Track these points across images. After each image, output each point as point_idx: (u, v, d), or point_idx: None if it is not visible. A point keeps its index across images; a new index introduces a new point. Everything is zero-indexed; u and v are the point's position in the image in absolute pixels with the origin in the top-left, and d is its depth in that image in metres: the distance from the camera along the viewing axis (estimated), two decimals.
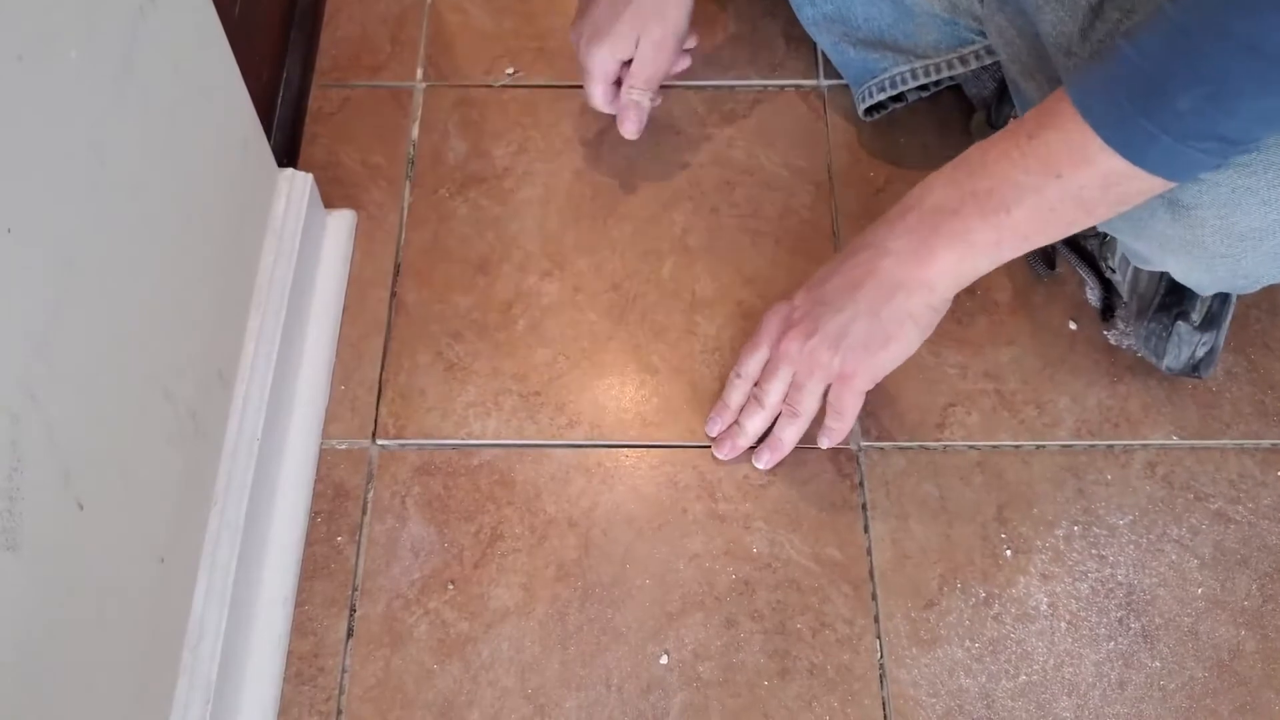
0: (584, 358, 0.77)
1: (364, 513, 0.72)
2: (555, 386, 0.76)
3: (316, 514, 0.71)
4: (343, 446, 0.74)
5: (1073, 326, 0.79)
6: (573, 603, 0.69)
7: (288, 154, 0.86)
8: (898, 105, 0.86)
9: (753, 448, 0.73)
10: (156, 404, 0.55)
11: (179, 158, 0.59)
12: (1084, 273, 0.80)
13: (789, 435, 0.71)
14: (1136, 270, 0.75)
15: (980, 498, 0.73)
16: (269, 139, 0.76)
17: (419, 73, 0.90)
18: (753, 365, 0.71)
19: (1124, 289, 0.76)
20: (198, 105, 0.62)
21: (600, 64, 0.79)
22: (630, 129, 0.81)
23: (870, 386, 0.67)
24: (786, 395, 0.70)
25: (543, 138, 0.87)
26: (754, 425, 0.72)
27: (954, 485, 0.73)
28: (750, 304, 0.79)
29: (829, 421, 0.70)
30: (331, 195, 0.83)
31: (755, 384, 0.71)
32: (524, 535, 0.71)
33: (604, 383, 0.76)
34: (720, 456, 0.73)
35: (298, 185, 0.76)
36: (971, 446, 0.74)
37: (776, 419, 0.72)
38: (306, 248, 0.76)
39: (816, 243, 0.82)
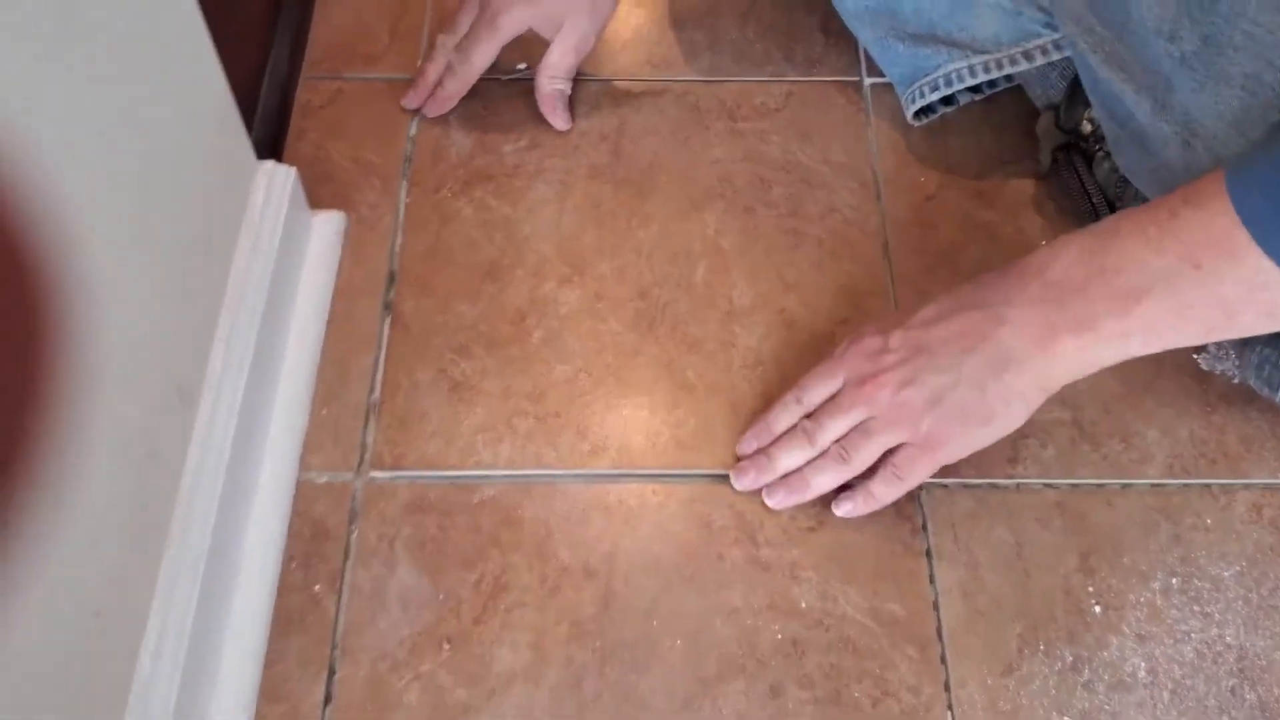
0: (609, 374, 0.67)
1: (346, 557, 0.61)
2: (576, 407, 0.66)
3: (292, 558, 0.61)
4: (323, 480, 0.64)
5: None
6: (590, 666, 0.59)
7: (271, 149, 0.77)
8: (948, 109, 0.77)
9: None
10: (98, 423, 0.46)
11: (135, 133, 0.49)
12: None
13: (822, 482, 0.61)
14: None
15: (1061, 544, 0.63)
16: (250, 132, 0.67)
17: (420, 65, 0.81)
18: (817, 394, 0.62)
19: None
20: (160, 74, 0.52)
21: (514, 24, 0.74)
22: (563, 119, 0.77)
23: (951, 462, 0.59)
24: (845, 438, 0.60)
25: (556, 133, 0.78)
26: (789, 461, 0.62)
27: (1030, 529, 0.63)
28: (794, 312, 0.70)
29: (878, 485, 0.61)
30: (319, 195, 0.74)
31: (808, 415, 0.62)
32: (533, 586, 0.61)
33: (632, 402, 0.67)
34: (736, 485, 0.63)
35: (279, 179, 0.67)
36: (1048, 485, 0.65)
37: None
38: (287, 250, 0.66)
39: (864, 245, 0.73)
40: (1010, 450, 0.65)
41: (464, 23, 0.76)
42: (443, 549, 0.62)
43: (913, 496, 0.64)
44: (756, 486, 0.63)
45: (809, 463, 0.62)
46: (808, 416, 0.62)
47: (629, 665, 0.59)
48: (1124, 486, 0.65)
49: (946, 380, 0.58)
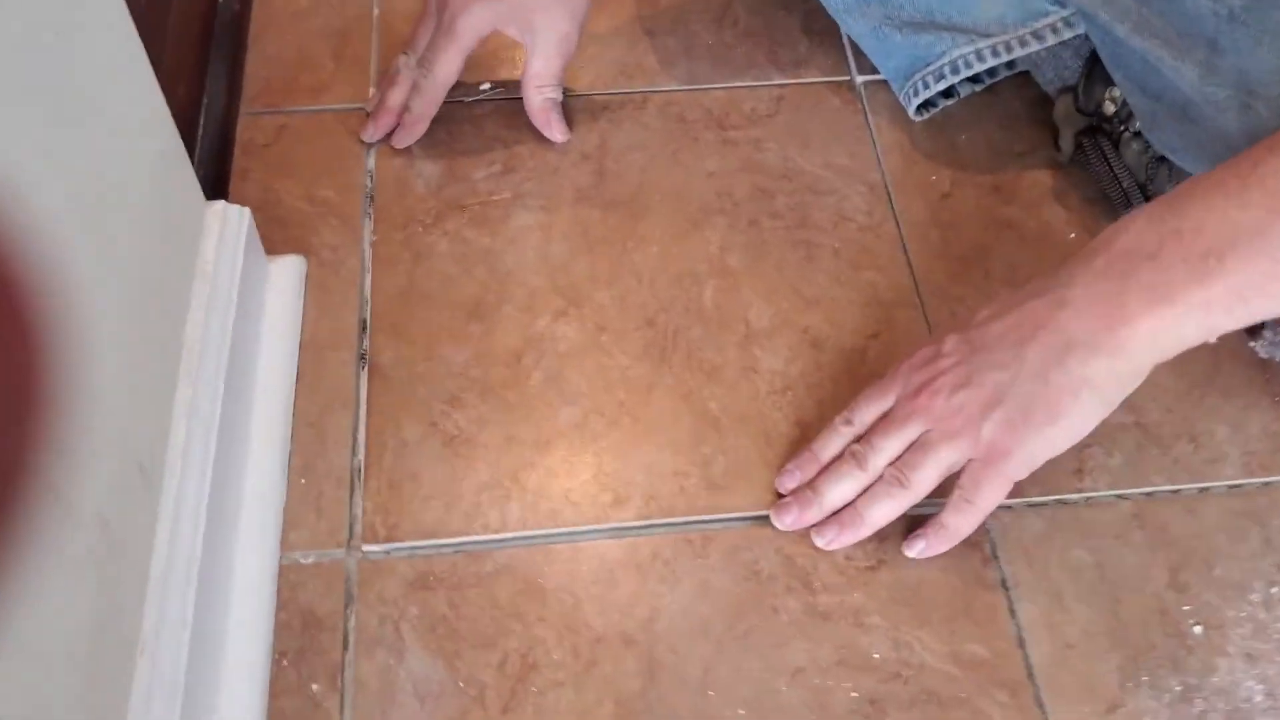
0: (622, 413, 0.60)
1: (345, 648, 0.53)
2: (590, 454, 0.59)
3: (282, 655, 0.52)
4: (309, 560, 0.55)
5: (1211, 340, 0.64)
6: None
7: (214, 194, 0.68)
8: (948, 102, 0.71)
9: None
10: (51, 513, 0.37)
11: (74, 171, 0.41)
12: None
13: (879, 513, 0.54)
14: None
15: (1146, 561, 0.57)
16: None
17: (372, 92, 0.74)
18: (868, 414, 0.55)
19: None
20: (96, 103, 0.44)
21: (476, 26, 0.66)
22: (561, 130, 0.70)
23: (1024, 475, 0.52)
24: (901, 459, 0.53)
25: (532, 154, 0.71)
26: (838, 493, 0.55)
27: (1110, 547, 0.57)
28: (819, 330, 0.63)
29: (949, 515, 0.54)
30: (272, 239, 0.65)
31: (860, 439, 0.55)
32: (566, 663, 0.53)
33: (652, 443, 0.59)
34: (777, 524, 0.56)
35: (231, 221, 0.58)
36: (1120, 496, 0.59)
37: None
38: (246, 301, 0.58)
39: (883, 252, 0.67)
40: (1074, 461, 0.59)
41: (423, 38, 0.69)
42: (457, 629, 0.53)
43: None
44: (801, 526, 0.56)
45: (862, 493, 0.55)
46: (858, 440, 0.55)
47: None
48: (1201, 490, 0.59)
49: (1005, 376, 0.51)
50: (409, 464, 0.58)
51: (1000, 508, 0.57)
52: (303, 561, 0.55)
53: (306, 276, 0.65)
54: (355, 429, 0.59)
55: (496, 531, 0.56)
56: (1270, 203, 0.45)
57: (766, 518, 0.57)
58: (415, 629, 0.53)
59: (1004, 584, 0.55)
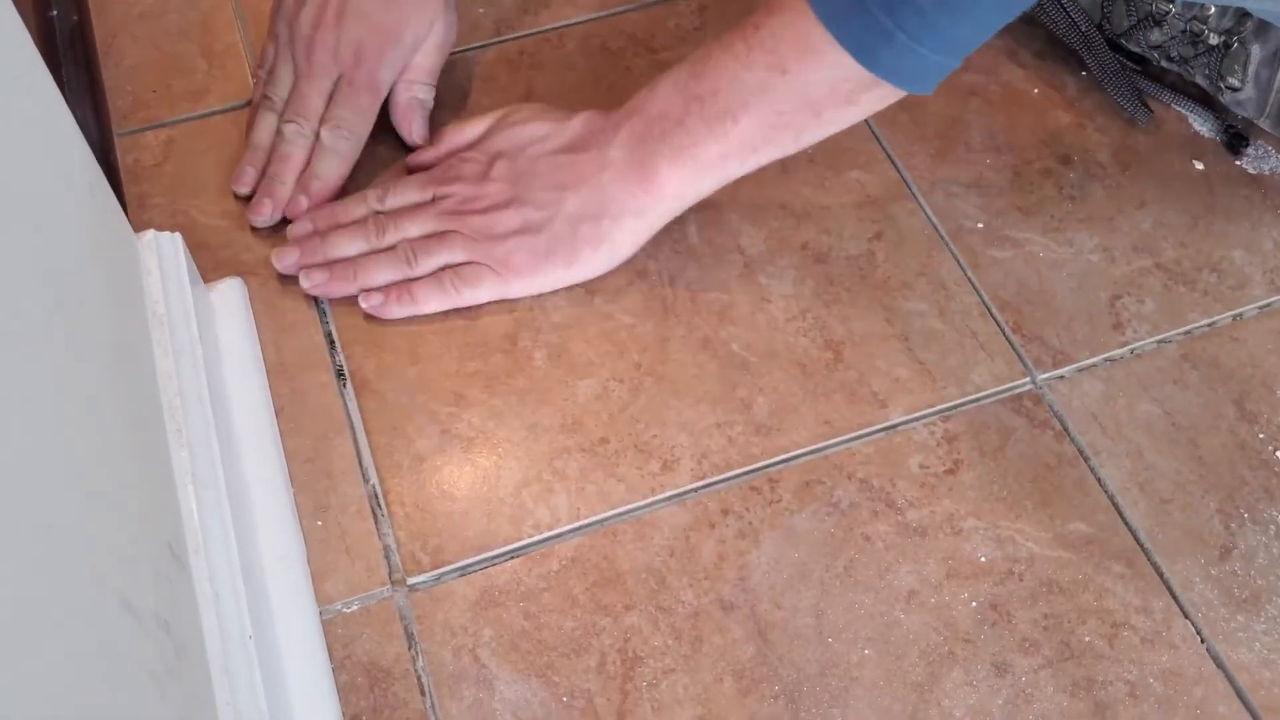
0: (643, 375, 0.55)
1: (424, 693, 0.47)
2: (623, 424, 0.54)
3: (356, 719, 0.46)
4: (354, 608, 0.49)
5: (1199, 166, 0.63)
6: (781, 718, 0.46)
7: None
8: None
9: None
10: (118, 623, 0.30)
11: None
12: (1184, 107, 0.64)
13: (372, 276, 0.56)
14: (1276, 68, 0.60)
15: (1209, 399, 0.55)
16: None
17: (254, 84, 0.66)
18: (401, 200, 0.57)
19: (1256, 103, 0.61)
20: (12, 127, 0.36)
21: (392, 75, 0.61)
22: (421, 131, 0.62)
23: (516, 295, 0.56)
24: (416, 242, 0.56)
25: (452, 117, 0.64)
26: (344, 248, 0.57)
27: (1171, 393, 0.55)
28: (818, 244, 0.59)
29: (426, 288, 0.55)
30: (200, 265, 0.57)
31: (384, 214, 0.57)
32: (669, 646, 0.48)
33: (684, 399, 0.54)
34: (277, 266, 0.57)
35: (167, 251, 0.51)
36: (1164, 341, 0.57)
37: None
38: (205, 340, 0.51)
39: (858, 147, 0.63)
40: (1110, 316, 0.57)
41: (282, 82, 0.60)
42: (542, 640, 0.48)
43: (1037, 399, 0.55)
44: (300, 267, 0.56)
45: (365, 255, 0.56)
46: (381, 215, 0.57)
47: (825, 700, 0.47)
48: (1235, 318, 0.58)
49: (542, 215, 0.55)
50: (432, 479, 0.52)
51: (1054, 381, 0.55)
52: (346, 611, 0.49)
53: (250, 298, 0.58)
54: (358, 453, 0.53)
55: (550, 528, 0.51)
56: (769, 60, 0.48)
57: (829, 449, 0.53)
58: (495, 652, 0.48)
59: (1083, 455, 0.53)
